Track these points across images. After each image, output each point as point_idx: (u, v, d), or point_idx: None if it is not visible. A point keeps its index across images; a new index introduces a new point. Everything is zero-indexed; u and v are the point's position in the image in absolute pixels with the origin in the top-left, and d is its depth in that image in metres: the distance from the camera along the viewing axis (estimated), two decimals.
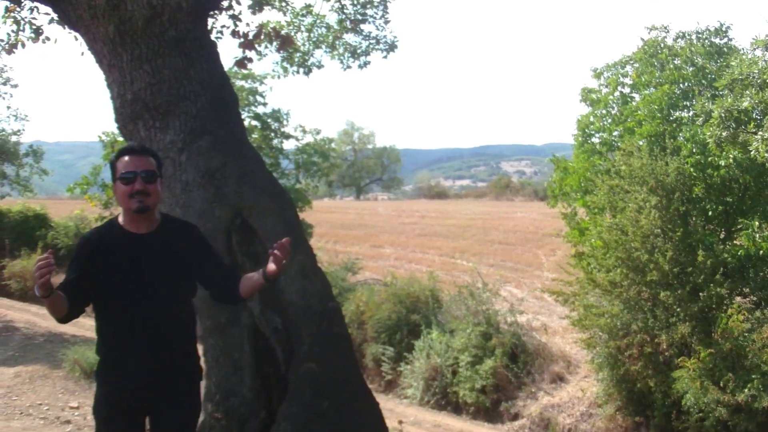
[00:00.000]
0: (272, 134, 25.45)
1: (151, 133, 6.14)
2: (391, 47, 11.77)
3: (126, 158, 4.28)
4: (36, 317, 19.30)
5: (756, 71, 9.05)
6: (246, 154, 6.37)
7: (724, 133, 9.90)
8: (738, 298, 12.43)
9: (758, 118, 10.56)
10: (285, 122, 25.75)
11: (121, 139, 21.27)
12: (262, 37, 9.86)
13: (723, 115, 9.77)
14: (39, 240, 27.84)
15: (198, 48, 6.32)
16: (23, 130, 35.75)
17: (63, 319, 4.10)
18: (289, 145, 26.23)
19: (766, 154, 9.23)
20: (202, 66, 6.30)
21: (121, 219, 4.36)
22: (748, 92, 9.32)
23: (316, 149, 26.47)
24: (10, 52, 9.32)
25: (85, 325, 18.44)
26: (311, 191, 27.96)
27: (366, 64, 11.89)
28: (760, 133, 9.48)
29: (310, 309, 5.93)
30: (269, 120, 25.28)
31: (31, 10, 8.96)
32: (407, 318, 19.06)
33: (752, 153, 9.67)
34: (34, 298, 23.69)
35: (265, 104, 25.21)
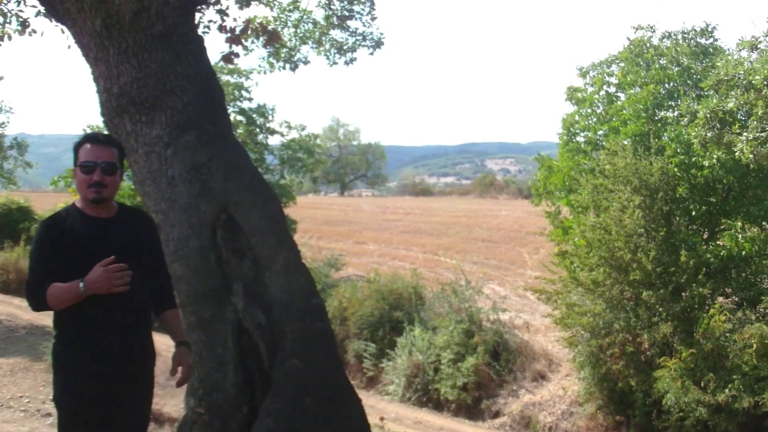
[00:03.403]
0: (257, 129, 25.41)
1: (137, 127, 6.11)
2: (378, 44, 11.72)
3: (88, 146, 4.34)
4: (18, 310, 19.12)
5: (741, 72, 9.07)
6: (232, 150, 6.34)
7: (709, 134, 9.92)
8: (720, 299, 12.48)
9: (743, 119, 10.59)
10: (270, 118, 25.72)
11: (106, 132, 21.27)
12: (249, 32, 9.81)
13: (708, 115, 9.79)
14: (22, 233, 27.53)
15: (185, 42, 6.29)
16: (8, 122, 35.49)
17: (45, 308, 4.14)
18: (274, 140, 26.19)
19: (750, 155, 9.25)
20: (189, 61, 6.26)
21: (79, 204, 4.39)
22: (733, 93, 9.34)
23: (301, 145, 26.44)
24: None
25: None
26: (295, 187, 27.91)
27: (352, 60, 11.84)
28: (744, 134, 9.49)
29: (294, 305, 5.90)
30: (254, 115, 25.22)
31: (18, 2, 8.85)
32: (390, 315, 19.05)
33: (737, 154, 9.70)
34: (16, 291, 23.63)
35: (250, 99, 25.17)
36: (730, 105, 9.55)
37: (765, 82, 8.72)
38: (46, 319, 18.51)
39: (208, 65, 6.59)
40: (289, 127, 26.28)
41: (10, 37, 9.07)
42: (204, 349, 5.88)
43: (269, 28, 10.63)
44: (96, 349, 4.18)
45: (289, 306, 5.89)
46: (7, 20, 9.01)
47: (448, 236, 33.84)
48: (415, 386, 16.91)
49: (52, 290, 4.03)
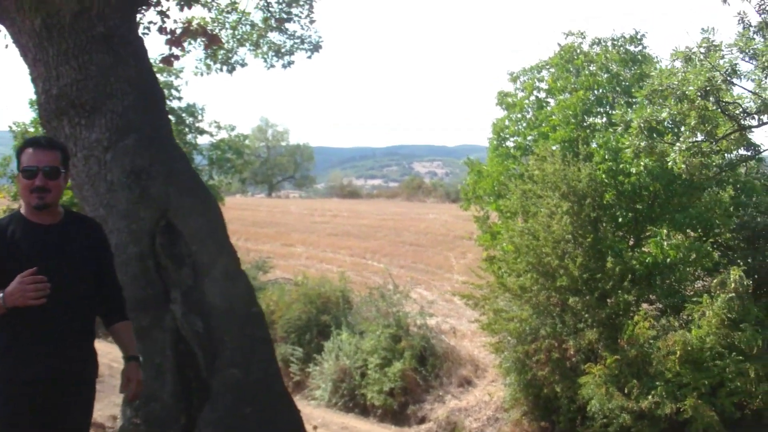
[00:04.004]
0: (186, 129, 24.98)
1: (76, 130, 6.00)
2: (316, 47, 11.58)
3: (30, 150, 4.17)
4: None
5: (675, 82, 9.13)
6: (172, 154, 6.25)
7: (642, 143, 9.98)
8: (644, 305, 12.58)
9: (675, 129, 10.68)
10: (200, 117, 25.33)
11: (31, 129, 20.68)
12: (189, 34, 9.60)
13: (642, 125, 9.85)
14: None
15: (126, 44, 6.21)
16: None
17: None
18: (203, 140, 25.83)
19: (683, 165, 9.32)
20: (130, 63, 6.18)
21: (23, 210, 4.24)
22: (666, 103, 9.41)
23: (230, 145, 26.13)
24: None
25: None
26: (224, 188, 27.57)
27: (290, 63, 11.68)
28: (677, 144, 9.57)
29: (233, 313, 5.83)
30: (184, 115, 24.80)
31: None
32: (317, 318, 18.96)
33: (670, 164, 9.77)
34: None
35: (180, 98, 24.73)
36: (664, 115, 9.62)
37: (698, 93, 8.79)
38: None
39: (149, 68, 6.50)
40: (219, 127, 25.95)
41: None
42: (142, 358, 5.73)
43: (208, 30, 10.42)
44: (31, 359, 4.02)
45: (228, 314, 5.80)
46: None
47: (375, 239, 33.80)
48: (342, 391, 16.79)
49: None
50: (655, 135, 10.22)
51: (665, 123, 10.44)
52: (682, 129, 9.96)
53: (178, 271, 5.79)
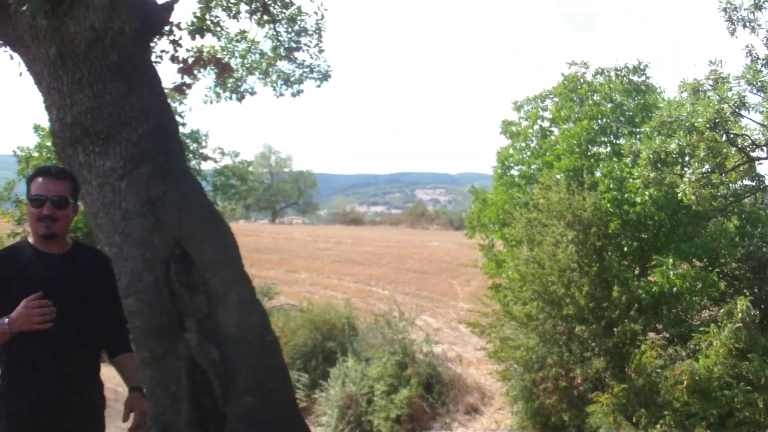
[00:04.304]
0: (190, 155, 25.10)
1: (90, 158, 6.00)
2: (325, 76, 11.63)
3: (39, 180, 4.14)
4: None
5: (684, 114, 9.21)
6: (186, 183, 6.27)
7: (651, 174, 10.05)
8: (651, 334, 12.61)
9: (684, 161, 10.74)
10: (204, 143, 25.45)
11: (36, 154, 20.78)
12: (201, 63, 9.66)
13: (651, 156, 9.92)
14: None
15: (140, 73, 6.23)
16: None
17: None
18: (207, 166, 25.94)
19: (693, 197, 9.39)
20: (144, 92, 6.19)
21: (31, 239, 4.22)
22: (675, 135, 9.49)
23: (234, 172, 26.24)
24: None
25: None
26: (228, 214, 27.65)
27: (299, 92, 11.72)
28: (687, 175, 9.64)
29: (248, 342, 5.83)
30: (188, 141, 24.91)
31: None
32: (323, 345, 18.94)
33: (680, 195, 9.84)
34: None
35: (184, 125, 24.86)
36: (672, 146, 9.70)
37: (707, 125, 8.87)
38: None
39: (162, 96, 6.51)
40: (223, 154, 26.07)
41: None
42: (157, 386, 5.72)
43: (219, 58, 10.50)
44: (37, 387, 3.99)
45: (243, 343, 5.80)
46: None
47: (379, 266, 33.82)
48: (348, 417, 16.73)
49: None
50: (661, 166, 10.28)
51: (673, 154, 10.50)
52: (691, 160, 10.02)
53: (192, 300, 5.81)
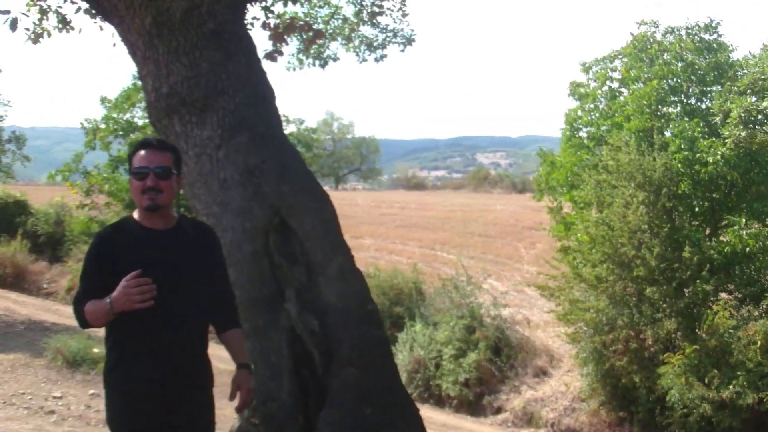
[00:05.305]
0: None
1: (187, 128, 5.91)
2: (409, 41, 11.54)
3: (142, 152, 4.07)
4: (15, 304, 18.99)
5: None
6: (285, 151, 6.14)
7: (743, 133, 9.83)
8: (723, 295, 12.50)
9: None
10: None
11: (103, 126, 21.10)
12: (294, 29, 9.62)
13: (742, 115, 9.69)
14: (19, 227, 27.01)
15: (236, 41, 6.12)
16: (5, 116, 34.97)
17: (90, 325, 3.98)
18: None
19: None
20: (240, 60, 6.08)
21: (136, 215, 4.14)
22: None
23: (299, 139, 26.33)
24: (36, 41, 9.03)
25: (65, 314, 18.25)
26: None
27: (382, 57, 11.63)
28: None
29: (349, 311, 5.69)
30: None
31: None
32: (391, 310, 19.01)
33: None
34: (12, 285, 23.50)
35: None
36: (765, 104, 9.47)
37: None
38: (44, 314, 18.43)
39: (258, 64, 6.41)
40: (288, 121, 26.16)
41: (49, 34, 8.91)
42: (258, 358, 5.66)
43: (311, 24, 10.48)
44: (145, 372, 3.95)
45: (345, 313, 5.68)
46: (46, 17, 8.84)
47: (444, 231, 33.83)
48: (417, 382, 16.90)
49: (89, 307, 3.88)
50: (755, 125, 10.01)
51: (765, 111, 10.26)
52: None
53: (291, 270, 5.65)
